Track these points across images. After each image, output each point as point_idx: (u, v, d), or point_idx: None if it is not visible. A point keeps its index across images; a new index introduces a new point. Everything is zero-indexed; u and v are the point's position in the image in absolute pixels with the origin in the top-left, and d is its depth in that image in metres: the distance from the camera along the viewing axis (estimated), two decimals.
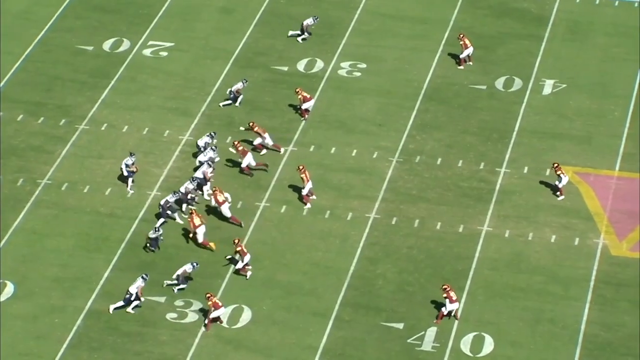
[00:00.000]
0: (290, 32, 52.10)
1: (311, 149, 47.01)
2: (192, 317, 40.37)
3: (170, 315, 40.45)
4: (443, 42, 51.92)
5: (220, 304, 39.69)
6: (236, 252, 41.36)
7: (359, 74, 50.61)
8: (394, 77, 50.30)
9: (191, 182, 44.08)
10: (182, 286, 40.97)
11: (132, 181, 45.02)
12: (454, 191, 45.03)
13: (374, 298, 40.95)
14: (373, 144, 47.07)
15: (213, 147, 45.60)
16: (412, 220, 43.88)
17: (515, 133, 47.42)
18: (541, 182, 45.18)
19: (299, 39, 51.88)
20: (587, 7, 53.44)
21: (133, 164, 44.97)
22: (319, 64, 51.15)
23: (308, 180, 43.93)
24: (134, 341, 39.60)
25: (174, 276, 40.96)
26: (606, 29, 52.13)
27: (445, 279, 41.37)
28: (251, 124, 46.38)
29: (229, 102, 48.82)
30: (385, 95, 49.37)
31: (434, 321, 39.67)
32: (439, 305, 40.22)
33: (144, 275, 40.57)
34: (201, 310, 40.36)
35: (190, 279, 41.05)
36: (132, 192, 44.86)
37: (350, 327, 40.06)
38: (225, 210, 43.48)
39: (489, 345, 39.30)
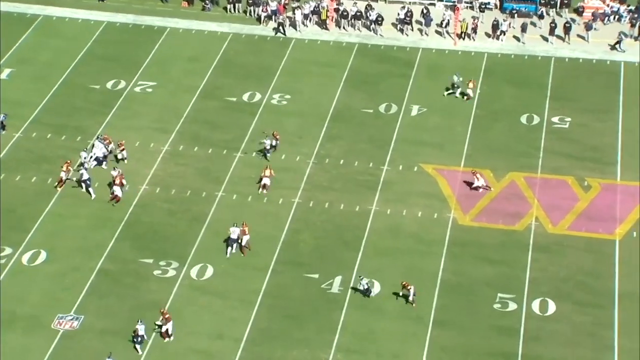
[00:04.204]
0: (446, 93, 49.87)
1: (253, 155, 46.65)
2: (171, 273, 39.97)
3: (157, 272, 40.03)
4: (343, 79, 51.85)
5: (247, 232, 39.63)
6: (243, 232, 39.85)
7: (285, 102, 50.35)
8: (310, 104, 50.11)
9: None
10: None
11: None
12: (352, 182, 44.99)
13: (298, 256, 40.84)
14: (296, 150, 46.83)
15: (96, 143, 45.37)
16: (324, 203, 43.75)
17: (393, 142, 47.50)
18: (411, 176, 45.25)
19: (457, 94, 49.27)
20: (440, 55, 53.65)
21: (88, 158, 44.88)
22: (258, 95, 50.78)
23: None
24: (132, 290, 39.21)
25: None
26: (453, 70, 52.26)
27: (346, 243, 41.36)
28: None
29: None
30: (304, 117, 49.18)
31: (413, 305, 38.03)
32: (345, 262, 40.21)
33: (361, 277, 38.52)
34: (176, 268, 39.96)
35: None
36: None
37: (282, 277, 39.92)
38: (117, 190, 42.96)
39: (377, 287, 39.42)
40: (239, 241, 40.47)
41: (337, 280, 39.74)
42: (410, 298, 38.36)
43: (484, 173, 45.25)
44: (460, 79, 49.71)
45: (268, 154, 45.65)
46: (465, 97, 49.47)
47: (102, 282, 39.73)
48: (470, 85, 49.64)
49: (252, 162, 46.13)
